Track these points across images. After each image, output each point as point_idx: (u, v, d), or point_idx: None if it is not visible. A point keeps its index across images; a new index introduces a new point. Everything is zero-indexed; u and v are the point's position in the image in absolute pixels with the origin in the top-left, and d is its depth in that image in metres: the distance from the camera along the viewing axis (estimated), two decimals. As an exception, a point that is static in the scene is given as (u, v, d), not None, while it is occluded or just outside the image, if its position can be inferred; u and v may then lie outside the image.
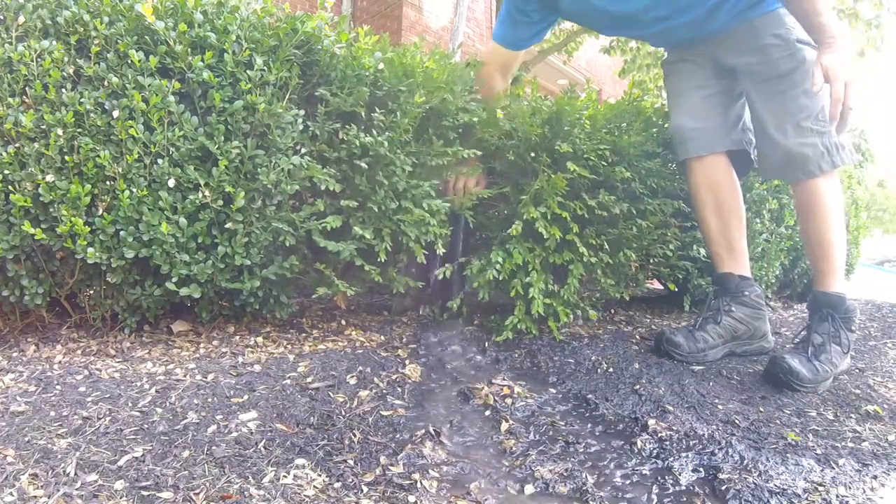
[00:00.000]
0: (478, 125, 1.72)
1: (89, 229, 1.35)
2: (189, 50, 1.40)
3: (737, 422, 1.31)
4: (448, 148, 1.64)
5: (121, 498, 0.90)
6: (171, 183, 1.38)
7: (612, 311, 2.23)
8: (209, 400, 1.22)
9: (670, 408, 1.35)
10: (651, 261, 2.04)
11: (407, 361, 1.53)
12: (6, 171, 1.33)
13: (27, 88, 1.36)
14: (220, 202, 1.42)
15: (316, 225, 1.50)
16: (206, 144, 1.39)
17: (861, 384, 1.60)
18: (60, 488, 0.89)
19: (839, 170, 1.70)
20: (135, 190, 1.36)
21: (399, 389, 1.37)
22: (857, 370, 1.73)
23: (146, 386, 1.27)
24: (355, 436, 1.15)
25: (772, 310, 2.46)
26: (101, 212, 1.36)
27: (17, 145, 1.34)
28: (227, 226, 1.44)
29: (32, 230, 1.32)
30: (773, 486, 1.05)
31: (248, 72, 1.41)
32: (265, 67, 1.43)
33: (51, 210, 1.35)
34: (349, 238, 1.54)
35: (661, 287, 2.42)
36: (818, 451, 1.20)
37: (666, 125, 2.00)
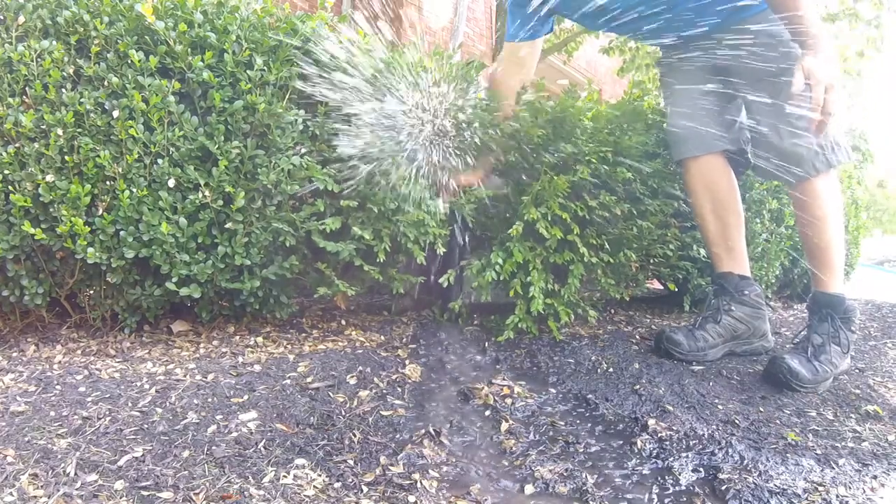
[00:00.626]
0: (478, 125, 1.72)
1: (89, 229, 1.35)
2: (189, 50, 1.40)
3: (737, 422, 1.31)
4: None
5: (121, 498, 0.89)
6: (171, 183, 1.38)
7: (612, 311, 2.23)
8: (209, 400, 1.22)
9: (670, 408, 1.35)
10: (651, 261, 2.04)
11: (407, 361, 1.53)
12: (6, 171, 1.33)
13: (27, 88, 1.36)
14: (220, 202, 1.42)
15: (316, 225, 1.50)
16: (206, 144, 1.39)
17: (861, 384, 1.60)
18: (60, 488, 0.89)
19: (838, 170, 1.70)
20: (135, 190, 1.36)
21: (399, 389, 1.37)
22: (857, 370, 1.73)
23: (146, 386, 1.27)
24: (355, 436, 1.15)
25: (772, 310, 2.46)
26: (101, 212, 1.36)
27: (17, 145, 1.34)
28: (227, 226, 1.44)
29: (32, 230, 1.32)
30: (773, 486, 1.05)
31: (247, 72, 1.41)
32: (265, 67, 1.43)
33: (51, 210, 1.35)
34: (348, 238, 1.54)
35: (661, 287, 2.43)
36: (818, 451, 1.20)
37: (666, 125, 2.00)
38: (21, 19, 1.37)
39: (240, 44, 1.44)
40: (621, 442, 1.23)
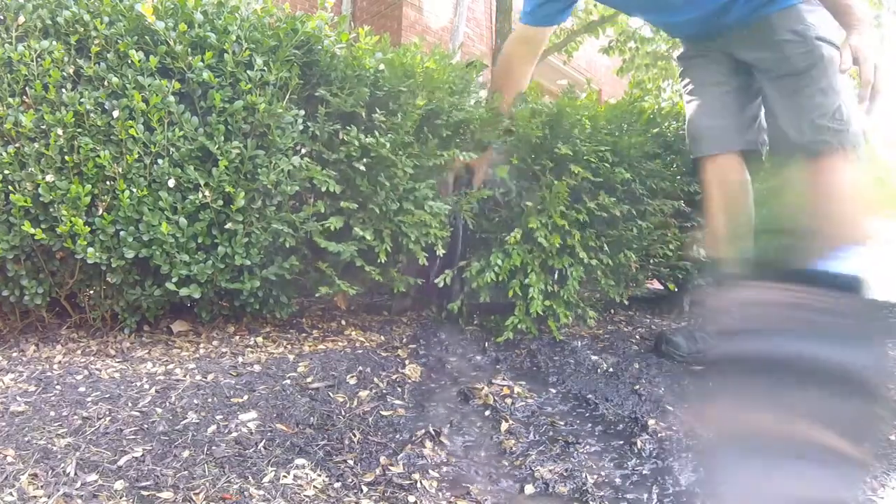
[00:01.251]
0: (478, 125, 1.72)
1: (89, 229, 1.35)
2: (189, 50, 1.40)
3: (737, 422, 1.31)
4: (446, 151, 1.64)
5: (121, 498, 0.90)
6: (171, 183, 1.38)
7: (612, 311, 2.23)
8: (209, 400, 1.22)
9: (670, 408, 1.35)
10: (651, 261, 2.04)
11: (407, 361, 1.53)
12: (6, 171, 1.33)
13: (27, 88, 1.36)
14: (220, 202, 1.42)
15: (316, 226, 1.50)
16: (206, 144, 1.39)
17: (861, 384, 1.59)
18: (60, 488, 0.89)
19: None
20: (135, 190, 1.36)
21: (399, 389, 1.37)
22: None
23: (146, 386, 1.27)
24: (355, 436, 1.15)
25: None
26: (101, 212, 1.36)
27: (17, 145, 1.34)
28: (227, 226, 1.44)
29: (32, 230, 1.32)
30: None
31: (248, 72, 1.41)
32: (265, 68, 1.43)
33: (51, 210, 1.35)
34: (349, 239, 1.54)
35: (661, 287, 2.42)
36: (818, 452, 1.20)
37: (666, 125, 2.00)
38: (21, 19, 1.37)
39: (240, 44, 1.44)
40: (621, 442, 1.23)
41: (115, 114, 1.35)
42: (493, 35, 6.12)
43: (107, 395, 1.21)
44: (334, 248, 1.50)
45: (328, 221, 1.50)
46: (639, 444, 1.20)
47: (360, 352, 1.54)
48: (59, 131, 1.33)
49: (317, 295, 1.58)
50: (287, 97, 1.49)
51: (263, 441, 1.09)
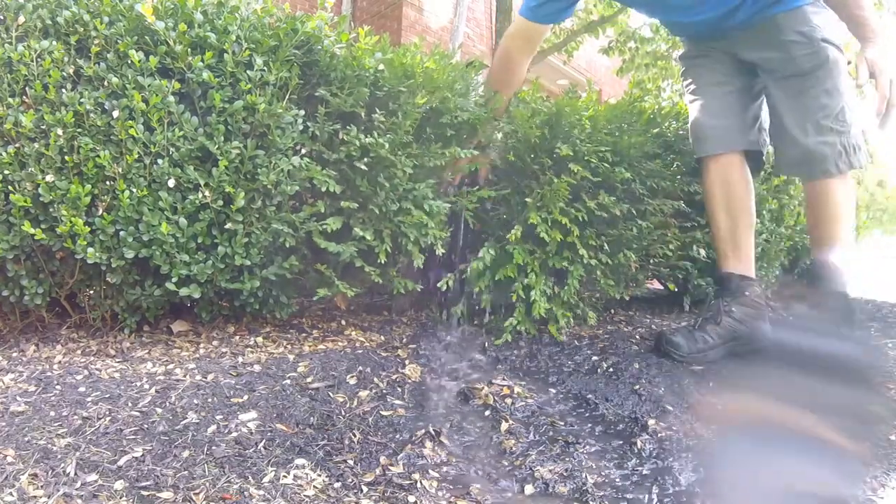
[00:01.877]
0: (477, 125, 1.72)
1: (89, 229, 1.35)
2: (189, 50, 1.40)
3: (737, 422, 1.31)
4: (447, 149, 1.64)
5: (121, 498, 0.90)
6: (171, 183, 1.38)
7: (612, 311, 2.23)
8: (209, 400, 1.22)
9: (670, 408, 1.35)
10: (651, 261, 2.04)
11: (407, 361, 1.53)
12: (6, 171, 1.33)
13: (27, 88, 1.36)
14: (220, 202, 1.42)
15: (316, 226, 1.50)
16: (206, 145, 1.39)
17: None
18: (60, 488, 0.89)
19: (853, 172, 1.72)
20: (135, 190, 1.36)
21: (399, 389, 1.37)
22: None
23: (146, 386, 1.27)
24: (355, 436, 1.15)
25: (771, 310, 2.46)
26: (101, 212, 1.36)
27: (17, 145, 1.34)
28: (226, 226, 1.44)
29: (32, 230, 1.32)
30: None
31: (247, 72, 1.41)
32: (265, 68, 1.43)
33: (51, 210, 1.35)
34: (349, 239, 1.54)
35: (662, 287, 2.42)
36: (818, 451, 1.20)
37: (666, 126, 2.00)
38: (21, 19, 1.37)
39: (240, 44, 1.44)
40: (621, 442, 1.23)
41: (115, 114, 1.35)
42: (493, 35, 6.12)
43: (107, 395, 1.21)
44: (334, 249, 1.50)
45: (327, 222, 1.50)
46: (639, 444, 1.20)
47: (360, 352, 1.54)
48: (59, 131, 1.33)
49: (315, 298, 1.58)
50: (287, 97, 1.49)
51: (263, 441, 1.09)
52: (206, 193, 1.39)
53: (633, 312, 2.26)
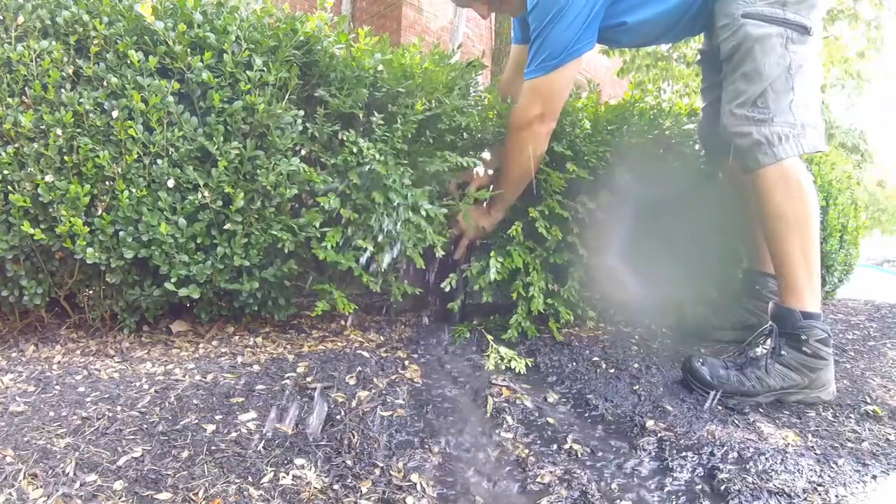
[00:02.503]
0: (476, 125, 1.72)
1: (88, 229, 1.35)
2: (188, 50, 1.40)
3: (736, 422, 1.31)
4: (447, 153, 1.63)
5: (120, 498, 0.89)
6: (171, 183, 1.38)
7: (612, 311, 2.23)
8: (208, 400, 1.22)
9: (670, 408, 1.35)
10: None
11: (406, 362, 1.53)
12: (6, 171, 1.33)
13: (26, 88, 1.36)
14: (220, 203, 1.42)
15: (315, 232, 1.49)
16: (205, 145, 1.39)
17: (860, 384, 1.60)
18: (59, 488, 0.89)
19: (795, 164, 1.46)
20: (134, 190, 1.36)
21: (398, 390, 1.37)
22: (856, 371, 1.73)
23: (145, 386, 1.27)
24: (354, 436, 1.14)
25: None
26: (100, 212, 1.36)
27: (16, 145, 1.34)
28: (226, 226, 1.44)
29: (32, 230, 1.32)
30: (773, 485, 1.05)
31: (247, 72, 1.41)
32: (264, 68, 1.43)
33: (50, 210, 1.35)
34: (348, 247, 1.52)
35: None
36: (818, 452, 1.20)
37: (666, 125, 2.00)
38: (20, 19, 1.37)
39: (239, 44, 1.44)
40: (621, 442, 1.23)
41: (115, 114, 1.35)
42: (493, 35, 6.12)
43: (106, 396, 1.21)
44: (333, 258, 1.49)
45: (327, 236, 1.47)
46: (639, 444, 1.20)
47: (359, 352, 1.54)
48: (59, 131, 1.33)
49: (314, 315, 1.56)
50: (286, 98, 1.49)
51: (263, 441, 1.09)
52: (206, 194, 1.39)
53: (633, 312, 2.26)
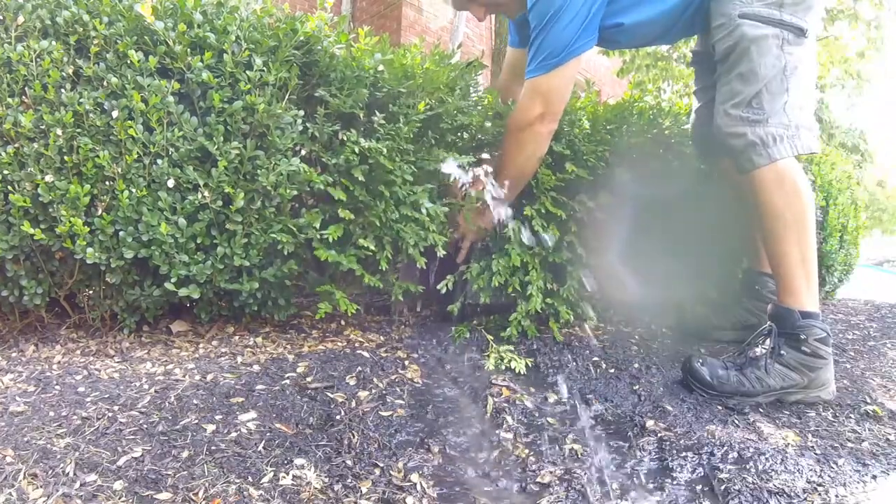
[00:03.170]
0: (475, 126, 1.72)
1: (88, 229, 1.35)
2: (188, 50, 1.40)
3: (736, 422, 1.31)
4: (448, 153, 1.63)
5: (120, 498, 0.90)
6: (171, 183, 1.38)
7: (612, 310, 2.23)
8: (208, 400, 1.22)
9: (670, 408, 1.35)
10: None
11: (406, 362, 1.53)
12: (6, 171, 1.33)
13: (26, 88, 1.36)
14: (220, 203, 1.42)
15: (315, 233, 1.49)
16: (205, 145, 1.39)
17: (860, 384, 1.60)
18: (59, 488, 0.89)
19: (793, 165, 1.46)
20: (134, 190, 1.36)
21: (398, 390, 1.37)
22: (856, 371, 1.73)
23: (145, 386, 1.27)
24: (355, 436, 1.15)
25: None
26: (100, 212, 1.36)
27: (16, 145, 1.34)
28: (226, 227, 1.44)
29: (32, 230, 1.32)
30: (773, 485, 1.05)
31: (247, 72, 1.41)
32: (264, 68, 1.43)
33: (50, 210, 1.35)
34: (349, 246, 1.52)
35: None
36: (817, 452, 1.20)
37: (665, 125, 2.00)
38: (20, 19, 1.37)
39: (239, 44, 1.44)
40: (621, 442, 1.23)
41: (115, 114, 1.35)
42: (493, 35, 6.12)
43: (106, 396, 1.21)
44: (334, 258, 1.49)
45: (328, 231, 1.48)
46: (639, 444, 1.20)
47: (359, 352, 1.54)
48: (59, 131, 1.33)
49: (317, 317, 1.56)
50: (286, 98, 1.49)
51: (263, 441, 1.09)
52: (206, 194, 1.39)
53: (633, 312, 2.26)
